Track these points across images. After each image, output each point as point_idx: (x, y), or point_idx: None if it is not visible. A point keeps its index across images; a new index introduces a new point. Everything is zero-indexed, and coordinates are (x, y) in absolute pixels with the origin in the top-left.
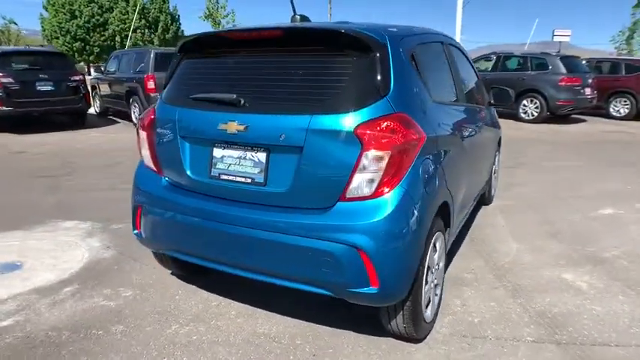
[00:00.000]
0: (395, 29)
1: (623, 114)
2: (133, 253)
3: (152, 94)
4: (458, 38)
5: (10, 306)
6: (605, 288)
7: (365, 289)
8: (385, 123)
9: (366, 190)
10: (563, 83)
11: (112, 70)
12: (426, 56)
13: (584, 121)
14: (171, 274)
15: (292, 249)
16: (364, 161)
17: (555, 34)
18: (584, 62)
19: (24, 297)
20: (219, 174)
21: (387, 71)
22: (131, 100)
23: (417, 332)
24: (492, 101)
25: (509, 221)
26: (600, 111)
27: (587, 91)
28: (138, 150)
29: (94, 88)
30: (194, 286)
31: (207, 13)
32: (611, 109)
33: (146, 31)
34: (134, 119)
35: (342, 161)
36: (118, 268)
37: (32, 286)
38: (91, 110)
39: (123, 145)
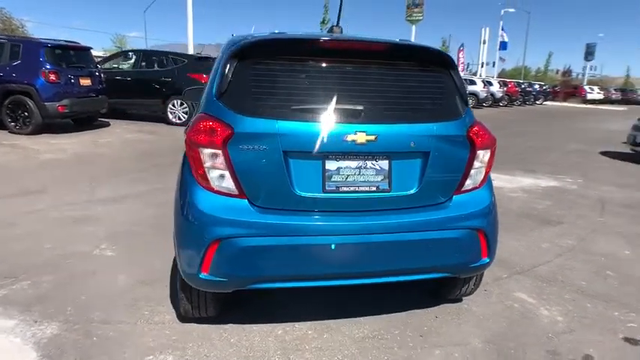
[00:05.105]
0: None
1: None
2: (89, 317)
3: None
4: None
5: None
6: None
7: (480, 262)
8: (478, 127)
9: (476, 182)
10: None
11: None
12: None
13: None
14: (183, 321)
15: (424, 243)
16: (477, 159)
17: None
18: None
19: None
20: (337, 187)
21: (463, 85)
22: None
23: (476, 290)
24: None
25: None
26: None
27: None
28: (196, 172)
29: None
30: (230, 325)
31: None
32: None
33: None
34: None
35: (459, 160)
36: (98, 339)
37: None
38: None
39: None
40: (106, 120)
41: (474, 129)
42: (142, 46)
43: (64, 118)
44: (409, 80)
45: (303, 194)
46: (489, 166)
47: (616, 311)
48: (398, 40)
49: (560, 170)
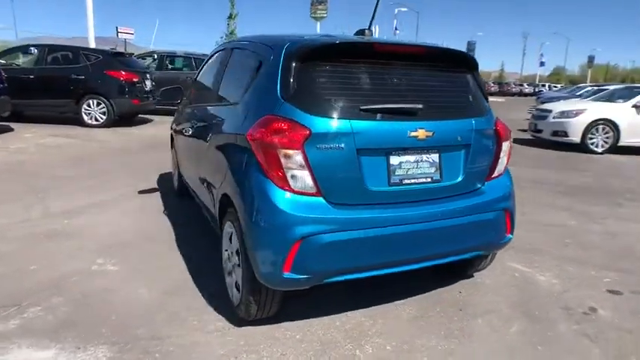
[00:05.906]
0: None
1: None
2: (134, 334)
3: None
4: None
5: None
6: None
7: (506, 239)
8: (500, 121)
9: (500, 169)
10: None
11: None
12: None
13: None
14: (239, 326)
15: (470, 225)
16: (503, 149)
17: (119, 31)
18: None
19: None
20: (401, 180)
21: (484, 84)
22: None
23: (490, 265)
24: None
25: None
26: None
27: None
28: (273, 173)
29: None
30: (286, 323)
31: None
32: None
33: None
34: None
35: (490, 150)
36: (161, 355)
37: None
38: None
39: None
40: (5, 124)
41: (498, 123)
42: (12, 39)
43: None
44: (451, 80)
45: (373, 189)
46: (509, 155)
47: (592, 271)
48: (438, 45)
49: None
